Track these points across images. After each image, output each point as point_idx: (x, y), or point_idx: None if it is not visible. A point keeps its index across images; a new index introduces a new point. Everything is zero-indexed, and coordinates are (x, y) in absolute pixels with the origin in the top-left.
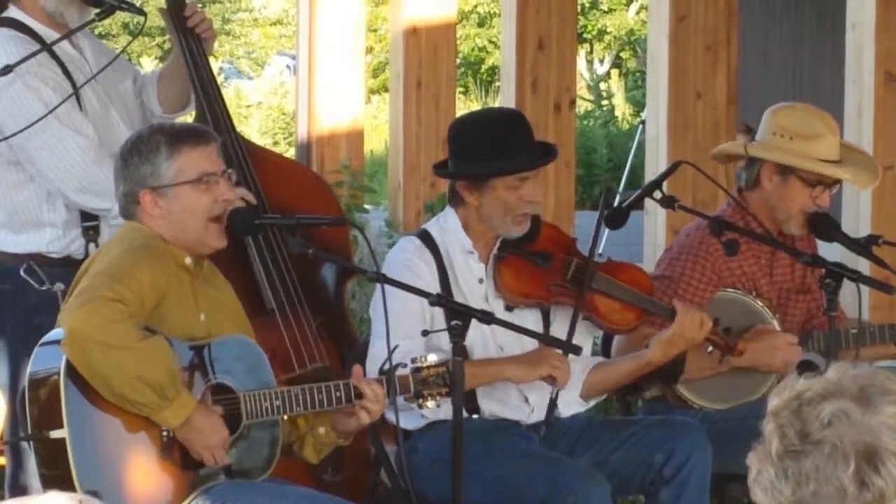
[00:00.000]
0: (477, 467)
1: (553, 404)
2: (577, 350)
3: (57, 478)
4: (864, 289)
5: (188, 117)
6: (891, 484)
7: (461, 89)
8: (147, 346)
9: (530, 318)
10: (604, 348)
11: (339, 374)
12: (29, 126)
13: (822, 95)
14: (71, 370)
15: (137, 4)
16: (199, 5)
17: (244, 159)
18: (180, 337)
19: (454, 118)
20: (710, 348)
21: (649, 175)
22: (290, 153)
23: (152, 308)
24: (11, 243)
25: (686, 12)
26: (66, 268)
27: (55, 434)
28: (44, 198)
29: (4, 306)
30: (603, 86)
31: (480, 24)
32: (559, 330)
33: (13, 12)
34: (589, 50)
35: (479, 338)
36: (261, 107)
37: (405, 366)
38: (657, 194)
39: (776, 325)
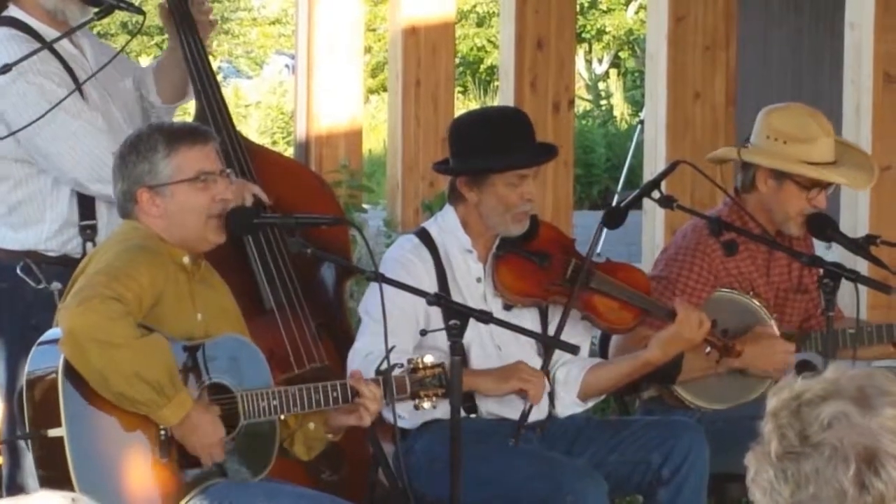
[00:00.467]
0: (474, 467)
1: (524, 417)
2: (574, 350)
3: (54, 477)
4: (863, 289)
5: (188, 116)
6: (891, 487)
7: (460, 89)
8: (145, 343)
9: (528, 318)
10: (601, 349)
11: (338, 374)
12: (39, 118)
13: (820, 96)
14: (69, 369)
15: (136, 4)
16: None
17: (244, 157)
18: (177, 336)
19: (453, 117)
20: (709, 349)
21: (648, 175)
22: (289, 152)
23: (150, 307)
24: (10, 240)
25: (685, 12)
26: (63, 266)
27: (53, 433)
28: (46, 194)
29: (1, 305)
30: (602, 85)
31: (479, 24)
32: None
33: (13, 11)
34: (588, 50)
35: (477, 337)
36: (259, 106)
37: (401, 366)
38: (655, 194)
39: (774, 325)
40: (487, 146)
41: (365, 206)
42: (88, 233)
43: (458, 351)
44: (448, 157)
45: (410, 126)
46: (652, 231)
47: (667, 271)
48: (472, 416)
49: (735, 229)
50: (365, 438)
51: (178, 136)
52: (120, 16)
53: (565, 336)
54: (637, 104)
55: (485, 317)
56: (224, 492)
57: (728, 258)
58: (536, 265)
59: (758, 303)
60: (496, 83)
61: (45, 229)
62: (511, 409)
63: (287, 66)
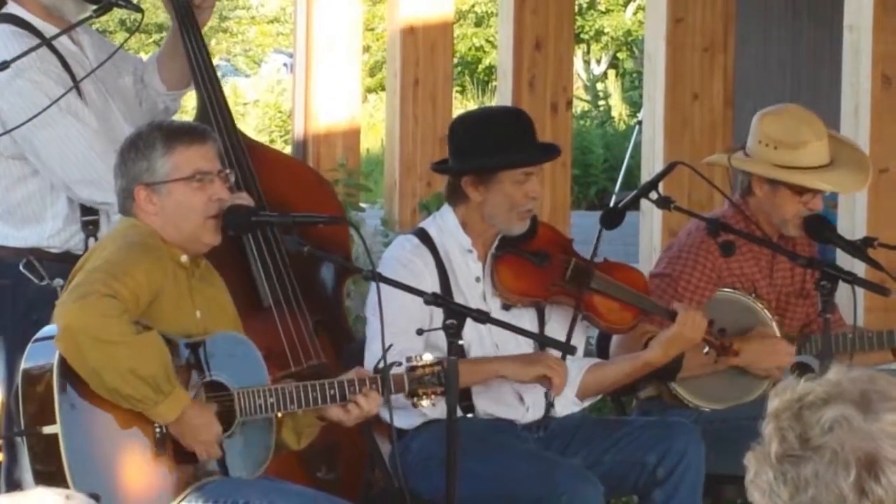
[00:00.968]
0: (471, 467)
1: (550, 406)
2: (572, 350)
3: (50, 474)
4: (860, 291)
5: (187, 115)
6: (891, 493)
7: (458, 89)
8: (140, 340)
9: (526, 318)
10: (599, 348)
11: (335, 371)
12: (33, 117)
13: (819, 97)
14: (64, 366)
15: (134, 1)
16: None
17: (243, 155)
18: (176, 334)
19: (452, 117)
20: (706, 349)
21: (645, 176)
22: (287, 151)
23: (147, 305)
24: (12, 238)
25: (683, 14)
26: (66, 263)
27: (48, 430)
28: (47, 192)
29: (3, 302)
30: (600, 86)
31: (478, 24)
32: (554, 329)
33: (12, 8)
34: (586, 50)
35: (476, 336)
36: (257, 104)
37: (400, 364)
38: (653, 195)
39: (775, 326)
40: (491, 145)
41: (362, 204)
42: (91, 228)
43: (456, 351)
44: (446, 157)
45: (408, 125)
46: (649, 232)
47: (669, 269)
48: (469, 415)
49: (734, 231)
50: (361, 437)
51: (176, 135)
52: (118, 13)
53: (562, 335)
54: (635, 105)
55: (482, 316)
56: (220, 489)
57: (731, 258)
58: (535, 265)
59: (760, 304)
60: (494, 83)
61: (47, 227)
62: (507, 410)
63: (285, 64)
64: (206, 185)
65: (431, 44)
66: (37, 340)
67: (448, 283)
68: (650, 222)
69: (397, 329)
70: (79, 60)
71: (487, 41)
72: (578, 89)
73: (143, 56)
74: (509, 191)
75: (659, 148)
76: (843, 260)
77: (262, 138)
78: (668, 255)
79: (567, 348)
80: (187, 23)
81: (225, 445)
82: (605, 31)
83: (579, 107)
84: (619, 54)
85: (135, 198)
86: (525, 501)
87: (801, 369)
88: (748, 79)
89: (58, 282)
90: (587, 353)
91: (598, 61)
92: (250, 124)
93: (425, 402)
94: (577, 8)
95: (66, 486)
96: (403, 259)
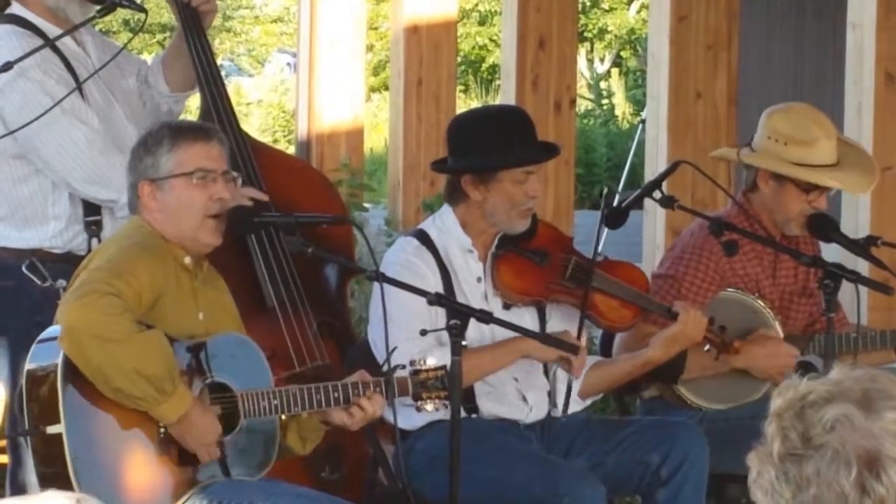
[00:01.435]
0: (474, 468)
1: (569, 391)
2: (574, 349)
3: (53, 474)
4: (863, 290)
5: (191, 116)
6: (892, 491)
7: (462, 88)
8: (143, 339)
9: (527, 317)
10: (602, 347)
11: (339, 372)
12: (35, 119)
13: (822, 96)
14: (69, 366)
15: (138, 1)
16: None
17: (248, 155)
18: (179, 335)
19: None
20: (707, 347)
21: (649, 175)
22: (290, 151)
23: (150, 305)
24: (14, 239)
25: (687, 12)
26: (68, 264)
27: (52, 430)
28: (49, 191)
29: (6, 303)
30: (603, 85)
31: (481, 23)
32: (555, 328)
33: (16, 8)
34: (589, 49)
35: (478, 336)
36: (261, 104)
37: (404, 367)
38: (657, 194)
39: (778, 326)
40: (492, 144)
41: (366, 204)
42: (93, 229)
43: (459, 351)
44: (446, 156)
45: (412, 125)
46: (653, 231)
47: (672, 270)
48: (473, 416)
49: (737, 230)
50: (365, 438)
51: (182, 132)
52: (122, 13)
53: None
54: (639, 104)
55: (485, 317)
56: (223, 490)
57: (733, 258)
58: (536, 264)
59: (762, 304)
60: (498, 82)
61: (49, 227)
62: (511, 410)
63: (289, 64)
64: (208, 183)
65: (435, 43)
66: (41, 341)
67: (450, 283)
68: (654, 221)
69: (409, 331)
70: (82, 61)
71: (491, 40)
72: (582, 88)
73: (147, 57)
74: (509, 190)
75: (662, 146)
76: (847, 259)
77: (266, 138)
78: (670, 256)
79: (569, 347)
80: (191, 24)
81: (227, 447)
82: (609, 29)
83: (583, 105)
84: (622, 53)
85: (139, 194)
86: (527, 503)
87: (805, 368)
88: (751, 77)
89: (60, 283)
90: (589, 353)
91: (602, 60)
92: (254, 124)
93: (429, 407)
94: (580, 6)
95: (71, 487)
96: (405, 262)
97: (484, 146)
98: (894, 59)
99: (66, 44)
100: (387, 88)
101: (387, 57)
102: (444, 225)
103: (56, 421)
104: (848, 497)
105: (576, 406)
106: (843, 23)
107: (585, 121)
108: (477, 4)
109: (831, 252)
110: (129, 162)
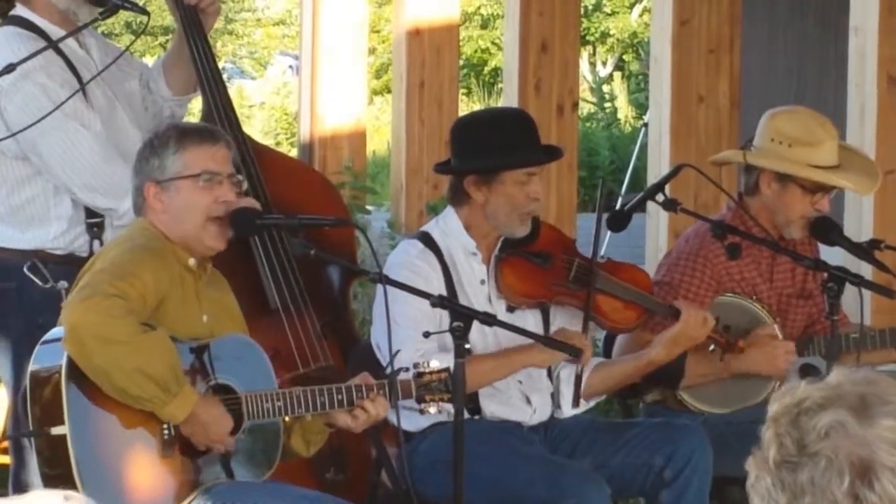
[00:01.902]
0: (477, 469)
1: (579, 381)
2: (577, 352)
3: (57, 475)
4: (867, 293)
5: (193, 117)
6: (885, 500)
7: (464, 91)
8: (147, 340)
9: (531, 319)
10: (605, 349)
11: (342, 374)
12: (37, 122)
13: (824, 100)
14: (72, 367)
15: (140, 4)
16: None
17: (250, 158)
18: (183, 337)
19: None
20: (712, 347)
21: (652, 178)
22: (293, 154)
23: (154, 307)
24: (16, 240)
25: (689, 16)
26: (70, 265)
27: (56, 431)
28: (51, 193)
29: (8, 304)
30: (606, 88)
31: (483, 26)
32: None
33: (20, 10)
34: (592, 52)
35: (481, 339)
36: (263, 107)
37: (408, 370)
38: (659, 197)
39: (777, 329)
40: (495, 145)
41: (368, 207)
42: (95, 230)
43: (462, 353)
44: (449, 158)
45: (414, 128)
46: (655, 234)
47: (669, 276)
48: (476, 417)
49: (739, 233)
50: (368, 440)
51: (188, 134)
52: (124, 16)
53: (564, 335)
54: (641, 107)
55: (489, 319)
56: (227, 492)
57: (731, 262)
58: (539, 266)
59: (760, 307)
60: (500, 85)
61: (51, 229)
62: (514, 412)
63: (291, 66)
64: (214, 185)
65: (437, 46)
66: (45, 342)
67: (453, 286)
68: (656, 224)
69: (417, 334)
70: (85, 64)
71: (493, 43)
72: (584, 91)
73: (149, 61)
74: (511, 191)
75: (665, 150)
76: (850, 262)
77: (268, 141)
78: (667, 263)
79: (571, 350)
80: (192, 28)
81: (232, 448)
82: (611, 33)
83: (585, 109)
84: (624, 56)
85: (144, 195)
86: None
87: (808, 371)
88: (753, 81)
89: (62, 284)
90: (593, 355)
91: (604, 63)
92: (256, 127)
93: (433, 409)
94: (582, 10)
95: (75, 488)
96: (409, 264)
97: (487, 147)
98: None
99: (71, 47)
100: (389, 91)
101: (389, 60)
102: (448, 227)
103: (60, 422)
104: None
105: (579, 408)
106: (846, 27)
107: (588, 124)
108: (479, 8)
109: (833, 255)
110: (134, 164)
